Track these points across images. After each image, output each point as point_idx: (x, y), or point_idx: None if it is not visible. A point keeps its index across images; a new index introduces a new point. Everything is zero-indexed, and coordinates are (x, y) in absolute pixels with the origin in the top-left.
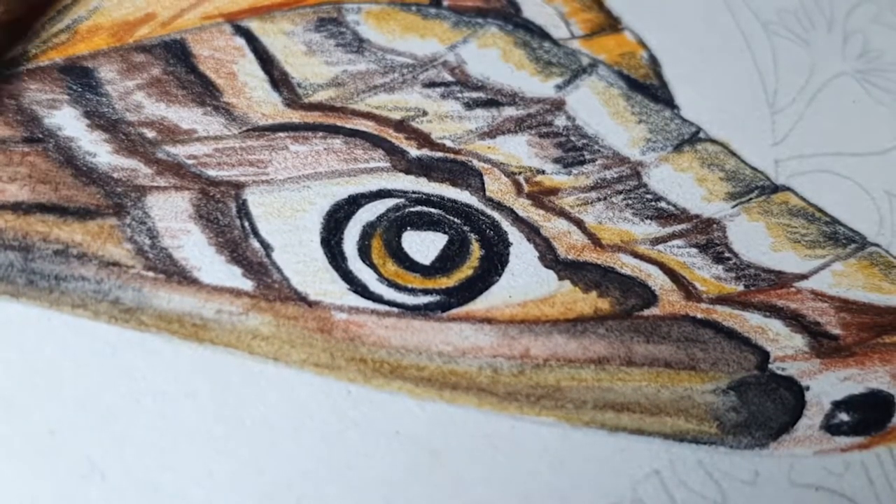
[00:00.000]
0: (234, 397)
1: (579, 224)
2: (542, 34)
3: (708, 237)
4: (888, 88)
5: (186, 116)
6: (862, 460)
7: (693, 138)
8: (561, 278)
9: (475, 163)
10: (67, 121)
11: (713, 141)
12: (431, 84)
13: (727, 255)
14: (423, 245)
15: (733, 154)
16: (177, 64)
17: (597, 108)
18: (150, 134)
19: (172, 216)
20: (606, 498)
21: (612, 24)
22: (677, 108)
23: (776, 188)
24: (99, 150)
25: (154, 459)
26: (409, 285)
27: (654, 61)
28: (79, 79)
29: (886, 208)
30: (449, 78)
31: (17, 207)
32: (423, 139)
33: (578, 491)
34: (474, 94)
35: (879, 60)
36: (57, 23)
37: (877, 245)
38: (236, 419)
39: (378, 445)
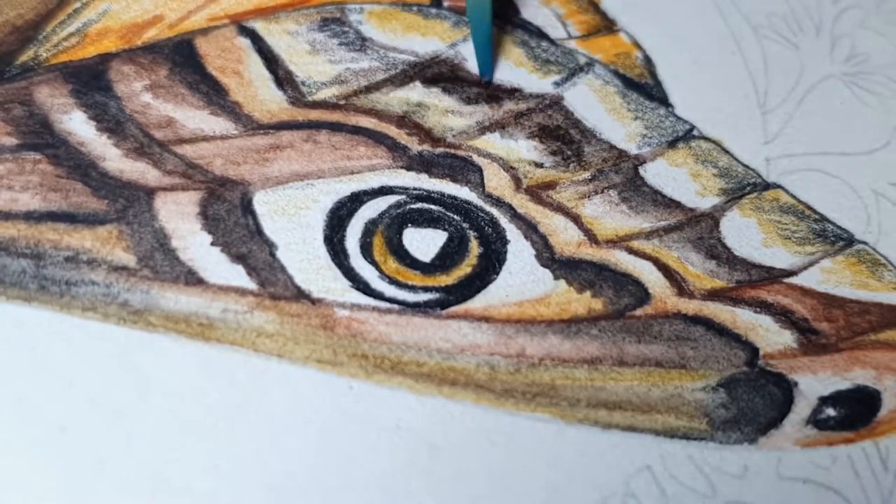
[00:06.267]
0: (239, 394)
1: (576, 220)
2: (540, 34)
3: (702, 232)
4: (874, 91)
5: (193, 116)
6: (848, 454)
7: (687, 135)
8: (556, 277)
9: (475, 158)
10: (77, 125)
11: (706, 139)
12: (433, 80)
13: (720, 249)
14: (424, 242)
15: (726, 151)
16: (184, 64)
17: (594, 105)
18: (158, 135)
19: (179, 217)
20: (599, 492)
21: (607, 26)
22: (671, 106)
23: (767, 185)
24: (108, 154)
25: (162, 454)
26: (410, 283)
27: (648, 62)
28: (88, 82)
29: (873, 206)
30: (450, 74)
31: (30, 217)
32: (425, 134)
33: (572, 485)
34: (474, 90)
35: (866, 64)
36: (67, 26)
37: (864, 243)
38: (241, 415)
39: (379, 439)
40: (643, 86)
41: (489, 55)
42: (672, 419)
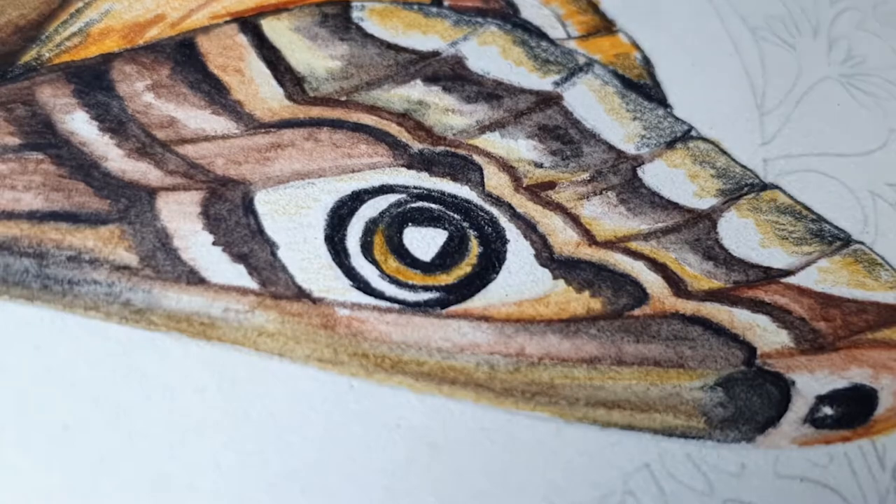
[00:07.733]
0: (240, 392)
1: (575, 220)
2: (540, 34)
3: (699, 233)
4: (871, 92)
5: (195, 116)
6: (846, 452)
7: (685, 136)
8: (555, 277)
9: (475, 157)
10: (80, 125)
11: (704, 139)
12: (433, 78)
13: (717, 250)
14: (424, 241)
15: (724, 152)
16: (185, 63)
17: (593, 105)
18: (159, 135)
19: (181, 217)
20: (598, 490)
21: (606, 27)
22: (670, 107)
23: (765, 186)
24: (110, 154)
25: (163, 452)
26: (410, 282)
27: (647, 62)
28: (90, 82)
29: (870, 207)
30: (450, 72)
31: (33, 216)
32: (426, 132)
33: (571, 483)
34: (475, 89)
35: (863, 65)
36: (69, 26)
37: (861, 243)
38: (243, 413)
39: (379, 438)
40: (642, 86)
41: None
42: (670, 418)
